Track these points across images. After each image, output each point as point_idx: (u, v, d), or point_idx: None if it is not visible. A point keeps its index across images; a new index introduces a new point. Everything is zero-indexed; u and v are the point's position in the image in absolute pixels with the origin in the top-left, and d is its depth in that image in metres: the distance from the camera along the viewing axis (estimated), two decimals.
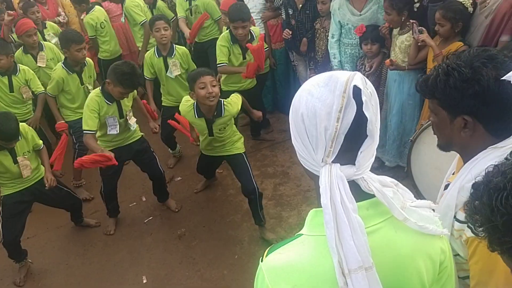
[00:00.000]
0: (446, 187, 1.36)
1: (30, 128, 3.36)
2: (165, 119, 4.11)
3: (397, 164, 3.80)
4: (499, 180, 0.80)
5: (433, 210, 1.02)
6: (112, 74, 3.25)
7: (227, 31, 4.04)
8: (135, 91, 3.61)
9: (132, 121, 3.57)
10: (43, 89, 4.12)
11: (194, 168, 4.03)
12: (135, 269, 3.36)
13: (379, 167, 3.86)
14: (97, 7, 5.14)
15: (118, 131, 3.45)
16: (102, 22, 5.09)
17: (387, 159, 3.84)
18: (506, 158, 0.87)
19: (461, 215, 1.23)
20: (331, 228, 0.88)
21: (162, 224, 3.80)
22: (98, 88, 3.41)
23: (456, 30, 3.08)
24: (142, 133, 3.74)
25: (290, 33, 4.37)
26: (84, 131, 3.28)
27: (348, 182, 0.90)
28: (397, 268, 0.95)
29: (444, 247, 1.02)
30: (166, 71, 4.14)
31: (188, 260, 3.39)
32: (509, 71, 1.15)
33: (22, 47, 4.42)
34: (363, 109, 0.89)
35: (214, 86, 3.16)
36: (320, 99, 0.91)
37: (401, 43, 3.49)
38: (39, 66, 4.40)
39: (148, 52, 4.25)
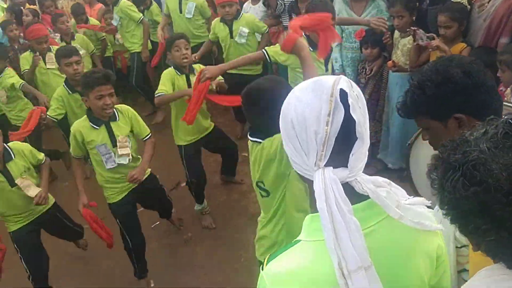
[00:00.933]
0: None
1: (24, 144, 3.06)
2: (190, 157, 3.68)
3: (400, 167, 3.81)
4: (457, 159, 0.82)
5: (427, 206, 1.04)
6: (81, 87, 3.01)
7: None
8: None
9: (124, 151, 2.95)
10: (23, 81, 4.12)
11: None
12: None
13: (383, 170, 3.89)
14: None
15: (116, 163, 2.96)
16: None
17: (390, 161, 3.87)
18: (477, 129, 0.86)
19: None
20: (328, 231, 0.89)
21: (169, 229, 3.85)
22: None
23: (462, 29, 3.10)
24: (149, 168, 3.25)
25: None
26: (72, 156, 3.10)
27: (342, 184, 0.91)
28: (396, 266, 0.97)
29: (440, 242, 1.05)
30: None
31: (195, 264, 3.44)
32: (470, 65, 1.26)
33: (30, 48, 4.38)
34: (351, 112, 0.90)
35: None
36: (309, 104, 0.93)
37: (403, 46, 3.52)
38: (48, 68, 4.27)
39: (167, 70, 3.61)
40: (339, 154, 0.93)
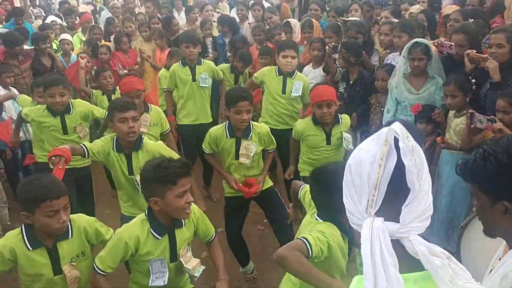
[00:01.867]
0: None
1: (93, 220, 2.30)
2: (229, 211, 3.58)
3: (444, 248, 3.67)
4: None
5: None
6: (147, 183, 2.18)
7: None
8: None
9: (192, 263, 2.29)
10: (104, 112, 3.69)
11: None
12: None
13: None
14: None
15: (165, 282, 2.22)
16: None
17: (432, 241, 3.70)
18: None
19: None
20: (369, 279, 0.88)
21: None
22: (144, 213, 2.26)
23: None
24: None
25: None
26: (96, 269, 2.16)
27: (393, 241, 0.91)
28: None
29: None
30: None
31: None
32: None
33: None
34: (401, 156, 0.92)
35: None
36: (367, 151, 0.97)
37: (456, 126, 3.51)
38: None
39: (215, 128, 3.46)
40: (392, 205, 0.93)
